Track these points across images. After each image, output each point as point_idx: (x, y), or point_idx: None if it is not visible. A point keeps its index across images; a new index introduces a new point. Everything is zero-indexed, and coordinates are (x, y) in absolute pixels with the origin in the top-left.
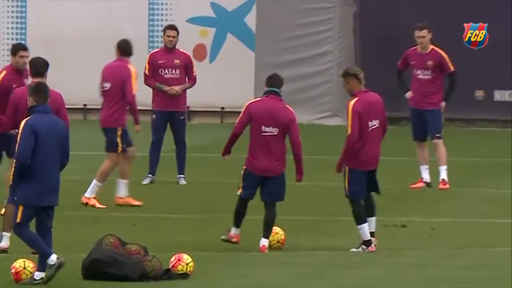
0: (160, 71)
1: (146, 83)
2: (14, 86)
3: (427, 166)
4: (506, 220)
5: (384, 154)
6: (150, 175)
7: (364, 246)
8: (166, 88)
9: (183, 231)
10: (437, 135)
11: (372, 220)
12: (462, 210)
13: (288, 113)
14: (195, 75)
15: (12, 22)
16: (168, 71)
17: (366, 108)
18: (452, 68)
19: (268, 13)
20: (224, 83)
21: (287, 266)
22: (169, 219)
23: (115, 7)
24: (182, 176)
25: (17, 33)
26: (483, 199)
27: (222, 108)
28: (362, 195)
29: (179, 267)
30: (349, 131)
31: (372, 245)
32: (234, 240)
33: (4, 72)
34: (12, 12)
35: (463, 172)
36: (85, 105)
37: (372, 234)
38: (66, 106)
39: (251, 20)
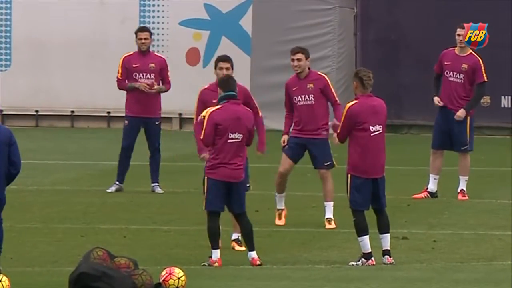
0: (134, 75)
1: (119, 87)
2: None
3: (437, 177)
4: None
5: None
6: (117, 183)
7: (364, 259)
8: (137, 84)
9: (175, 244)
10: (462, 148)
11: (385, 237)
12: (465, 221)
13: (250, 116)
14: (170, 80)
15: None
16: (143, 75)
17: (364, 111)
18: (485, 78)
19: (264, 15)
20: None
21: (283, 280)
22: (160, 231)
23: (105, 9)
24: (156, 184)
25: (1, 36)
26: (486, 210)
27: None
28: (365, 205)
29: (170, 282)
30: (338, 130)
31: (372, 258)
32: (216, 265)
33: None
34: None
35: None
36: (72, 111)
37: (387, 252)
38: (52, 113)
39: (246, 22)
